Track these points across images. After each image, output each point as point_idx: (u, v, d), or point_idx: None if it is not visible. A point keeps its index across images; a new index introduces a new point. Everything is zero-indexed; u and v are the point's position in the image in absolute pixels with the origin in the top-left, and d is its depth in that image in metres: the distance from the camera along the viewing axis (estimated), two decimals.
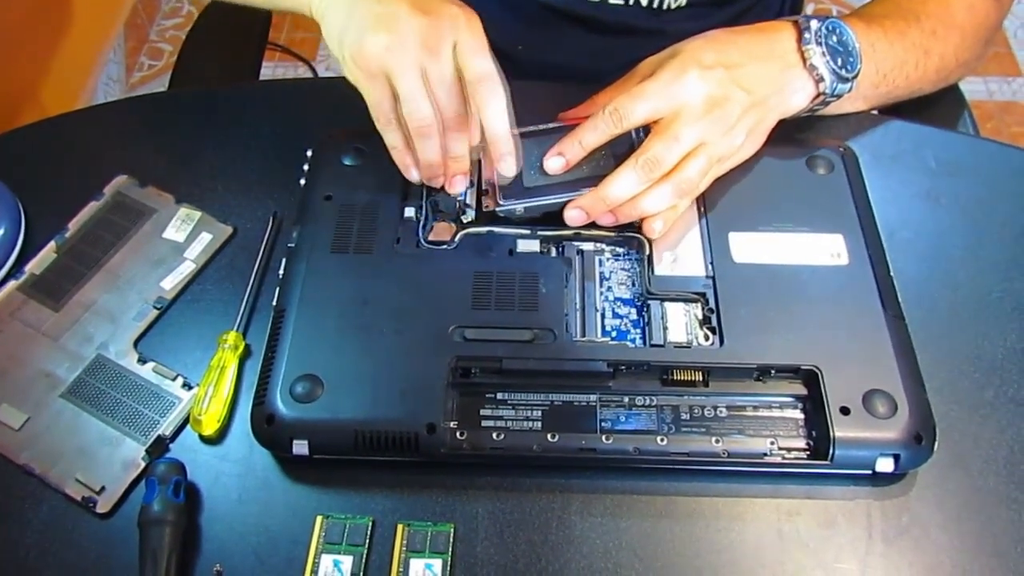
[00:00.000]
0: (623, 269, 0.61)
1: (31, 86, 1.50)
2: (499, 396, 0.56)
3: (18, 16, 1.44)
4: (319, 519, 0.53)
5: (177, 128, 0.76)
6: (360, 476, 0.55)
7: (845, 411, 0.53)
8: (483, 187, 0.63)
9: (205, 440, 0.57)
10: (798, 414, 0.55)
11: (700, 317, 0.58)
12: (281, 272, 0.61)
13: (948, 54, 0.70)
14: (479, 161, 0.63)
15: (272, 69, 1.83)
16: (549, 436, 0.54)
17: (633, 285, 0.61)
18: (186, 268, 0.65)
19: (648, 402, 0.56)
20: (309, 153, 0.66)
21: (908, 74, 0.68)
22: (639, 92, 0.58)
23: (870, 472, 0.54)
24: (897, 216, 0.66)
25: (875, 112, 0.73)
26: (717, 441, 0.54)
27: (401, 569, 0.52)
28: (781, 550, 0.53)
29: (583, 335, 0.58)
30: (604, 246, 0.62)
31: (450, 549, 0.52)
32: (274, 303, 0.59)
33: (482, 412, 0.55)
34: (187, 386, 0.59)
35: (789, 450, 0.54)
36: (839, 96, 0.64)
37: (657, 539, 0.53)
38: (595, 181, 0.59)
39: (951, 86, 0.75)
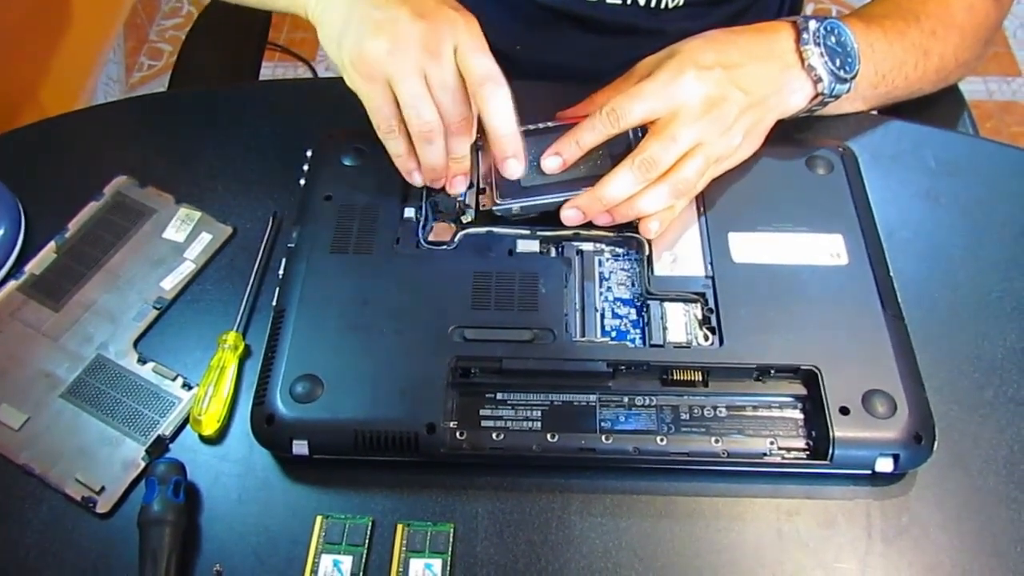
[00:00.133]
0: (623, 269, 0.61)
1: (31, 86, 1.50)
2: (499, 396, 0.56)
3: (18, 16, 1.45)
4: (319, 519, 0.53)
5: (177, 128, 0.76)
6: (360, 476, 0.55)
7: (845, 411, 0.53)
8: (480, 186, 0.63)
9: (205, 440, 0.57)
10: (798, 414, 0.56)
11: (700, 317, 0.58)
12: (281, 272, 0.61)
13: (948, 54, 0.70)
14: (479, 161, 0.63)
15: (272, 69, 1.83)
16: (549, 436, 0.54)
17: (633, 285, 0.61)
18: (186, 268, 0.65)
19: (648, 402, 0.56)
20: (309, 153, 0.67)
21: (907, 75, 0.68)
22: (637, 92, 0.58)
23: (870, 472, 0.54)
24: (897, 216, 0.66)
25: (875, 112, 0.73)
26: (717, 441, 0.54)
27: (401, 569, 0.52)
28: (781, 550, 0.53)
29: (583, 335, 0.58)
30: (604, 246, 0.62)
31: (450, 549, 0.52)
32: (274, 303, 0.59)
33: (482, 412, 0.55)
34: (187, 386, 0.59)
35: (789, 450, 0.54)
36: (837, 97, 0.64)
37: (657, 539, 0.53)
38: (592, 181, 0.59)
39: (951, 86, 0.75)
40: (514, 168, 0.58)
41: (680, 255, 0.61)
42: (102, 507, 0.54)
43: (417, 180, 0.61)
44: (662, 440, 0.54)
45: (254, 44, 0.92)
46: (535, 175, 0.61)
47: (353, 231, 0.62)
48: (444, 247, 0.62)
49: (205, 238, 0.66)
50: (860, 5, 0.73)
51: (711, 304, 0.58)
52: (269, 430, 0.54)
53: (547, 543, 0.53)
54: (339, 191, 0.64)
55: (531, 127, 0.63)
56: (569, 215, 0.60)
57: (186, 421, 0.58)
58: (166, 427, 0.57)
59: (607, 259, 0.62)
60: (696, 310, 0.59)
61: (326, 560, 0.52)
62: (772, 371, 0.56)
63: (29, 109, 1.48)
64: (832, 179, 0.65)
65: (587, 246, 0.62)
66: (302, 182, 0.66)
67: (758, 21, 0.65)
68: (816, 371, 0.55)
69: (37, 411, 0.58)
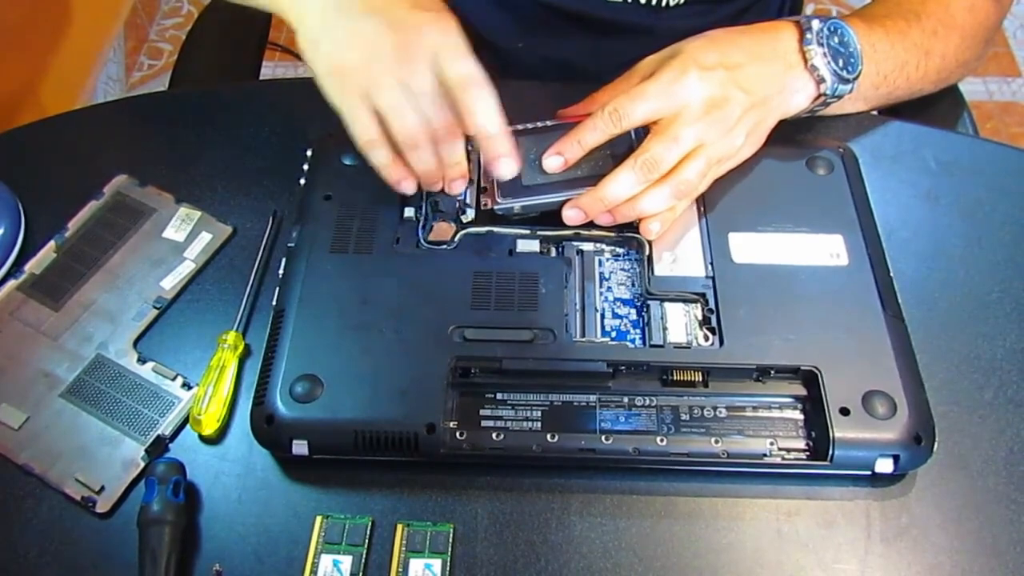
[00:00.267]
0: (623, 269, 0.61)
1: (30, 86, 1.50)
2: (499, 396, 0.56)
3: (18, 16, 1.44)
4: (319, 519, 0.53)
5: (177, 128, 0.75)
6: (360, 476, 0.55)
7: (844, 412, 0.53)
8: (481, 185, 0.63)
9: (205, 440, 0.57)
10: (797, 415, 0.56)
11: (700, 317, 0.58)
12: (281, 272, 0.61)
13: (949, 54, 0.70)
14: (479, 160, 0.63)
15: (272, 69, 1.83)
16: (549, 436, 0.54)
17: (633, 285, 0.61)
18: (186, 268, 0.65)
19: (648, 402, 0.56)
20: (309, 153, 0.66)
21: (909, 75, 0.68)
22: (639, 92, 0.58)
23: (869, 473, 0.54)
24: (897, 217, 0.66)
25: (875, 113, 0.73)
26: (717, 442, 0.54)
27: (400, 569, 0.52)
28: (780, 550, 0.53)
29: (583, 335, 0.58)
30: (604, 246, 0.62)
31: (449, 549, 0.52)
32: (274, 303, 0.59)
33: (482, 412, 0.55)
34: (187, 386, 0.59)
35: (788, 451, 0.54)
36: (840, 97, 0.64)
37: (657, 539, 0.53)
38: (594, 180, 0.59)
39: (951, 86, 0.76)
40: (507, 167, 0.57)
41: (680, 255, 0.61)
42: (102, 507, 0.54)
43: (407, 189, 0.60)
44: (662, 440, 0.54)
45: (254, 44, 0.92)
46: (536, 175, 0.61)
47: (353, 231, 0.62)
48: (444, 247, 0.62)
49: (205, 238, 0.66)
50: (860, 5, 0.72)
51: (711, 304, 0.58)
52: (269, 430, 0.54)
53: (547, 543, 0.53)
54: (339, 191, 0.64)
55: (531, 126, 0.63)
56: (570, 215, 0.60)
57: (186, 421, 0.57)
58: (166, 427, 0.57)
59: (607, 259, 0.62)
60: (696, 310, 0.59)
61: (326, 560, 0.52)
62: (772, 372, 0.56)
63: (29, 108, 1.48)
64: (832, 179, 0.65)
65: (587, 246, 0.62)
66: (302, 182, 0.66)
67: (760, 20, 0.65)
68: (816, 372, 0.55)
69: (37, 411, 0.58)
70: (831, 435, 0.52)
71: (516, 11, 0.82)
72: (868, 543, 0.53)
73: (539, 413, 0.55)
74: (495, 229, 0.62)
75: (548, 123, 0.63)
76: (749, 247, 0.61)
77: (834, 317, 0.57)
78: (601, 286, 0.60)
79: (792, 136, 0.67)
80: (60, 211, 0.67)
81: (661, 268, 0.60)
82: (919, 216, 0.67)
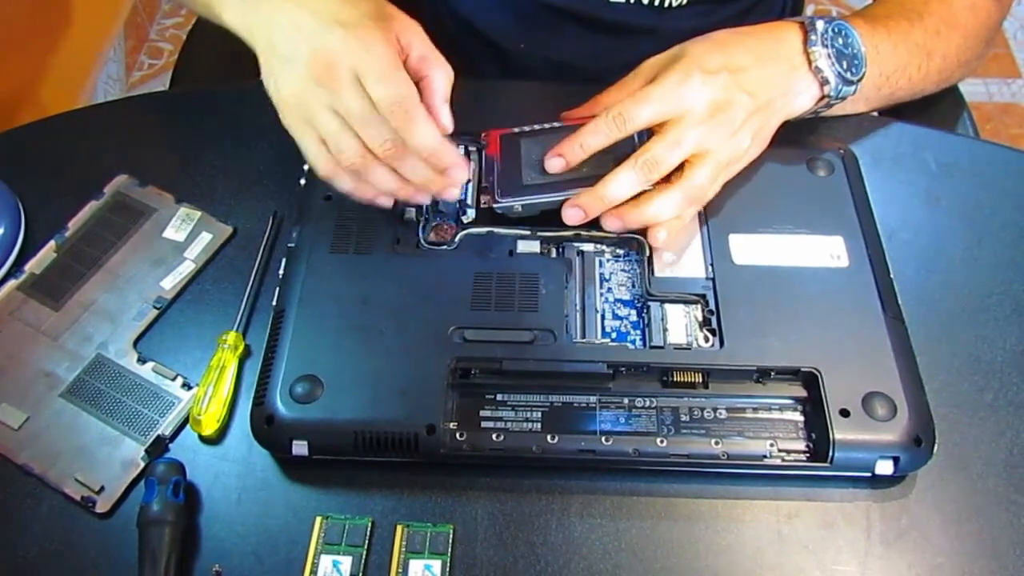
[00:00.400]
0: (623, 270, 0.61)
1: (30, 85, 1.50)
2: (499, 397, 0.56)
3: (18, 15, 1.44)
4: (318, 519, 0.53)
5: (177, 128, 0.75)
6: (359, 477, 0.55)
7: (845, 413, 0.53)
8: (482, 184, 0.63)
9: (204, 440, 0.57)
10: (798, 416, 0.56)
11: (700, 319, 0.58)
12: (281, 272, 0.61)
13: (950, 55, 0.70)
14: (479, 160, 0.63)
15: None
16: (549, 437, 0.54)
17: (633, 286, 0.61)
18: (186, 268, 0.65)
19: (648, 404, 0.56)
20: None
21: (911, 76, 0.68)
22: (643, 96, 0.58)
23: (869, 474, 0.54)
24: (897, 218, 0.66)
25: (875, 114, 0.73)
26: (717, 443, 0.54)
27: (400, 570, 0.52)
28: (780, 552, 0.53)
29: (583, 336, 0.58)
30: (604, 247, 0.62)
31: (449, 550, 0.52)
32: (274, 303, 0.59)
33: (482, 413, 0.55)
34: (187, 386, 0.59)
35: (789, 452, 0.54)
36: (843, 99, 0.64)
37: (657, 541, 0.53)
38: (594, 181, 0.59)
39: (951, 87, 0.76)
40: (457, 175, 0.57)
41: (681, 256, 0.61)
42: (101, 507, 0.54)
43: (384, 204, 0.59)
44: (662, 442, 0.54)
45: None
46: (537, 174, 0.61)
47: (353, 231, 0.62)
48: (444, 247, 0.62)
49: (205, 238, 0.66)
50: (860, 5, 0.72)
51: (711, 306, 0.58)
52: (269, 430, 0.54)
53: (547, 544, 0.53)
54: (339, 191, 0.64)
55: (534, 127, 0.63)
56: (570, 213, 0.60)
57: (186, 421, 0.57)
58: (166, 427, 0.57)
59: (608, 260, 0.62)
60: (696, 312, 0.59)
61: (325, 561, 0.52)
62: (772, 373, 0.56)
63: (29, 108, 1.47)
64: (833, 181, 0.65)
65: (588, 247, 0.62)
66: (302, 182, 0.65)
67: (763, 20, 0.65)
68: (816, 373, 0.55)
69: (37, 410, 0.58)
70: (831, 437, 0.52)
71: (518, 11, 0.82)
72: (868, 545, 0.53)
73: (539, 414, 0.55)
74: (495, 230, 0.62)
75: (550, 125, 0.63)
76: (749, 248, 0.61)
77: (834, 318, 0.57)
78: (601, 287, 0.60)
79: (793, 137, 0.67)
80: (60, 211, 0.67)
81: (661, 269, 0.60)
82: (919, 217, 0.67)
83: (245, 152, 0.72)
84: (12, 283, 0.64)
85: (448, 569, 0.52)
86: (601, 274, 0.61)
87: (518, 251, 0.62)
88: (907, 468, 0.54)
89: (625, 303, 0.60)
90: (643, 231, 0.61)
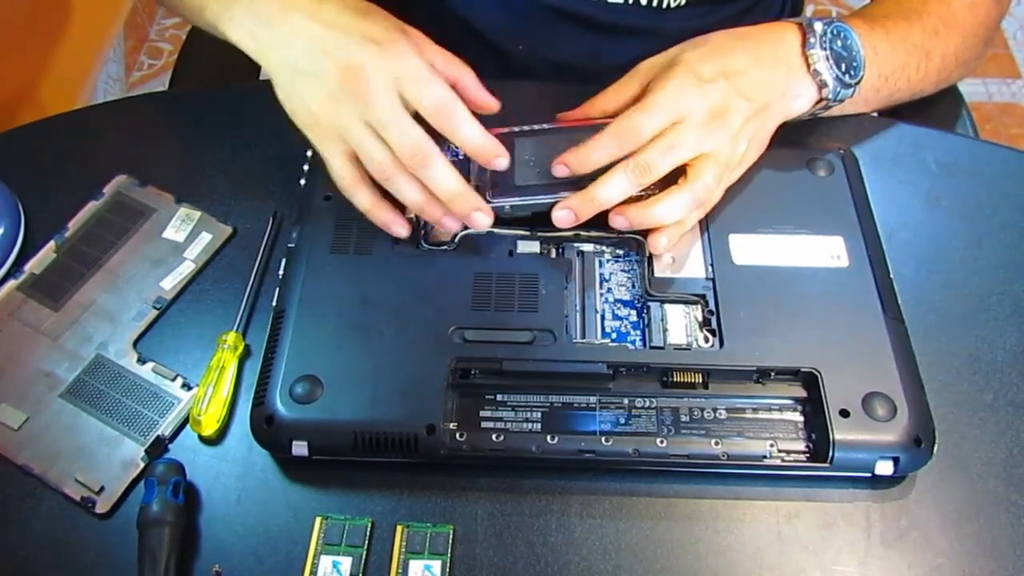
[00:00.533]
0: (623, 271, 0.61)
1: (30, 85, 1.50)
2: (499, 397, 0.56)
3: (17, 15, 1.44)
4: (318, 520, 0.53)
5: (177, 128, 0.75)
6: (359, 477, 0.55)
7: (844, 414, 0.53)
8: (473, 184, 0.62)
9: (204, 441, 0.57)
10: (798, 416, 0.56)
11: (700, 319, 0.58)
12: (281, 272, 0.61)
13: (949, 54, 0.70)
14: (471, 160, 0.63)
15: None
16: (549, 438, 0.54)
17: (633, 287, 0.61)
18: (186, 268, 0.65)
19: (648, 404, 0.56)
20: (309, 153, 0.66)
21: (910, 76, 0.68)
22: (648, 107, 0.58)
23: (869, 475, 0.54)
24: (897, 218, 0.66)
25: (875, 114, 0.73)
26: (717, 443, 0.54)
27: (400, 570, 0.52)
28: (780, 552, 0.53)
29: (583, 337, 0.58)
30: (604, 247, 0.62)
31: (449, 550, 0.52)
32: (274, 303, 0.59)
33: (482, 413, 0.55)
34: (186, 386, 0.59)
35: (788, 452, 0.54)
36: (841, 101, 0.63)
37: (657, 541, 0.53)
38: (586, 183, 0.59)
39: (950, 87, 0.75)
40: (501, 164, 0.59)
41: (680, 257, 0.61)
42: (101, 507, 0.54)
43: (400, 232, 0.60)
44: (662, 442, 0.54)
45: None
46: (530, 175, 0.61)
47: (353, 231, 0.62)
48: (444, 248, 0.62)
49: (205, 238, 0.66)
50: (859, 5, 0.72)
51: (711, 306, 0.58)
52: (269, 431, 0.54)
53: (547, 545, 0.53)
54: (339, 191, 0.64)
55: (529, 128, 0.63)
56: (560, 216, 0.59)
57: (185, 421, 0.57)
58: (165, 427, 0.57)
59: (607, 260, 0.62)
60: (696, 312, 0.59)
61: (325, 561, 0.52)
62: (772, 373, 0.56)
63: (29, 108, 1.48)
64: (833, 181, 0.65)
65: (587, 247, 0.62)
66: (302, 182, 0.65)
67: (762, 21, 0.65)
68: (816, 373, 0.55)
69: (36, 411, 0.58)
70: (831, 437, 0.52)
71: (516, 12, 0.82)
72: (868, 545, 0.53)
73: (539, 414, 0.55)
74: (495, 230, 0.62)
75: (545, 126, 0.63)
76: (749, 248, 0.61)
77: (834, 319, 0.57)
78: (601, 287, 0.60)
79: (793, 138, 0.67)
80: (60, 211, 0.67)
81: (661, 270, 0.60)
82: (919, 218, 0.67)
83: (245, 152, 0.72)
84: (12, 283, 0.64)
85: (448, 569, 0.52)
86: (601, 274, 0.61)
87: (518, 251, 0.62)
88: (907, 468, 0.54)
89: (625, 303, 0.60)
90: (644, 233, 0.61)
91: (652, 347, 0.57)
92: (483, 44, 0.83)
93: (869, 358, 0.56)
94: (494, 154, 0.58)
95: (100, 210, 0.68)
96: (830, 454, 0.52)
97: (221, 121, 0.75)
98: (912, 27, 0.67)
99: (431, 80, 0.56)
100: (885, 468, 0.53)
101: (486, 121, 0.61)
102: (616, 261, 0.62)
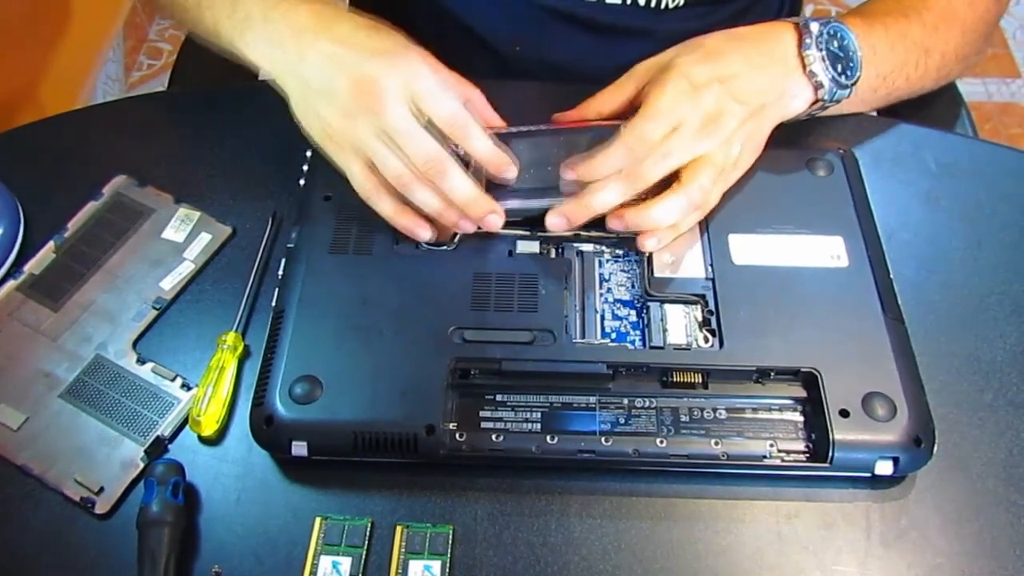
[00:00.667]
0: (623, 271, 0.61)
1: (30, 86, 1.50)
2: (498, 398, 0.56)
3: (17, 15, 1.44)
4: (318, 520, 0.53)
5: (177, 128, 0.75)
6: (359, 477, 0.55)
7: (844, 414, 0.53)
8: None
9: (204, 441, 0.57)
10: (797, 416, 0.56)
11: (700, 319, 0.58)
12: (280, 273, 0.61)
13: (949, 51, 0.69)
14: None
15: None
16: (548, 438, 0.54)
17: (633, 287, 0.61)
18: (185, 268, 0.64)
19: (647, 404, 0.56)
20: (309, 153, 0.66)
21: (908, 75, 0.68)
22: (651, 115, 0.58)
23: (869, 475, 0.54)
24: (897, 218, 0.66)
25: (875, 114, 0.73)
26: (716, 443, 0.54)
27: (400, 570, 0.52)
28: (780, 552, 0.53)
29: (582, 337, 0.58)
30: (604, 247, 0.62)
31: (449, 550, 0.52)
32: (273, 304, 0.59)
33: (481, 414, 0.55)
34: (186, 387, 0.59)
35: (788, 452, 0.54)
36: (838, 102, 0.63)
37: (656, 541, 0.53)
38: (580, 187, 0.59)
39: (949, 85, 0.75)
40: (511, 173, 0.60)
41: (680, 257, 0.61)
42: (101, 508, 0.54)
43: (425, 236, 0.60)
44: (662, 442, 0.54)
45: None
46: (524, 177, 0.61)
47: (353, 231, 0.62)
48: (444, 248, 0.62)
49: (205, 238, 0.66)
50: (858, 4, 0.72)
51: (711, 306, 0.58)
52: (268, 431, 0.54)
53: (546, 545, 0.53)
54: (339, 191, 0.64)
55: (524, 129, 0.63)
56: (554, 222, 0.59)
57: (185, 422, 0.57)
58: (165, 428, 0.57)
59: (607, 260, 0.62)
60: (696, 312, 0.59)
61: (325, 561, 0.52)
62: (772, 373, 0.56)
63: (28, 108, 1.48)
64: (832, 181, 0.65)
65: (587, 247, 0.62)
66: (302, 182, 0.65)
67: (759, 21, 0.65)
68: (816, 373, 0.55)
69: (36, 411, 0.58)
70: (831, 437, 0.52)
71: (513, 13, 0.82)
72: (868, 545, 0.53)
73: (539, 415, 0.55)
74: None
75: (541, 127, 0.63)
76: (749, 248, 0.61)
77: (834, 319, 0.57)
78: (601, 287, 0.60)
79: (792, 138, 0.67)
80: (60, 211, 0.67)
81: (661, 270, 0.60)
82: (919, 218, 0.67)
83: (245, 152, 0.72)
84: (11, 283, 0.64)
85: (448, 569, 0.52)
86: (600, 274, 0.61)
87: (517, 251, 0.62)
88: (907, 468, 0.54)
89: (625, 303, 0.60)
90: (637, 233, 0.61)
91: (652, 347, 0.57)
92: (480, 45, 0.83)
93: (869, 358, 0.55)
94: (505, 164, 0.59)
95: (99, 210, 0.68)
96: (830, 454, 0.52)
97: (220, 121, 0.75)
98: (911, 24, 0.67)
99: (444, 94, 0.57)
100: (885, 468, 0.53)
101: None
102: (616, 261, 0.62)
